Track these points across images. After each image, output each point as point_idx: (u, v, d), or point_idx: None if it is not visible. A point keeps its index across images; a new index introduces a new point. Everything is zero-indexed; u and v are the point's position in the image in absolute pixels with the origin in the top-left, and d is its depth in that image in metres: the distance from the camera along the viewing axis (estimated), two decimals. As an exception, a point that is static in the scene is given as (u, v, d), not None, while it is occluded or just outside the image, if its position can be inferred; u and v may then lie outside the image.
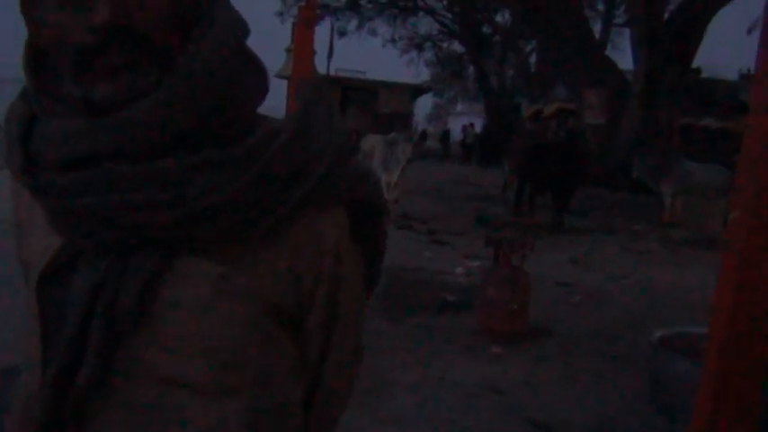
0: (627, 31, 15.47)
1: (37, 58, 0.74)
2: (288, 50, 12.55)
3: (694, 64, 12.33)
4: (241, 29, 0.76)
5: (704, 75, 14.01)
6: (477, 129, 27.73)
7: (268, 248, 0.73)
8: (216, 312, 0.72)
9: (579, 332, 4.79)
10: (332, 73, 24.43)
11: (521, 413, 3.40)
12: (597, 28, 20.16)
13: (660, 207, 10.17)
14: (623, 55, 16.08)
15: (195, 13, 0.73)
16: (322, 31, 23.98)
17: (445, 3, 24.42)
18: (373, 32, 26.05)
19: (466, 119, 33.31)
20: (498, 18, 24.41)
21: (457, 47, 29.67)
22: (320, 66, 24.39)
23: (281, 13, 22.17)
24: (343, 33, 24.91)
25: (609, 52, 18.30)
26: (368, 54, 32.36)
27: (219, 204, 0.68)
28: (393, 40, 28.27)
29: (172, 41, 0.70)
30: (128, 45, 0.67)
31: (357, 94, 22.91)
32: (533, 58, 26.34)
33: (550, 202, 9.71)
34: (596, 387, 3.83)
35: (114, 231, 0.69)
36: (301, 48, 4.31)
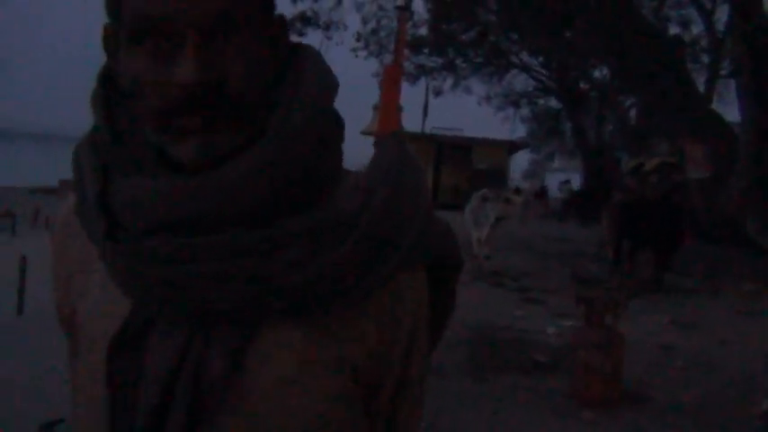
0: (732, 83, 14.82)
1: (109, 102, 0.71)
2: (375, 108, 12.82)
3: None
4: (332, 86, 0.74)
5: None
6: (575, 184, 27.11)
7: (354, 315, 0.70)
8: (300, 385, 0.68)
9: (680, 400, 4.46)
10: (427, 131, 24.77)
11: (612, 485, 3.17)
12: (701, 80, 19.51)
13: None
14: (729, 107, 15.37)
15: (283, 68, 0.71)
16: (417, 92, 24.47)
17: (541, 60, 24.35)
18: (468, 91, 26.24)
19: (563, 175, 32.72)
20: (596, 73, 24.06)
21: (553, 102, 29.41)
22: (415, 124, 24.83)
23: (377, 75, 22.83)
24: (438, 93, 25.25)
25: (715, 104, 17.59)
26: (463, 112, 32.64)
27: (321, 275, 0.65)
28: (488, 98, 28.37)
29: (257, 99, 0.67)
30: (214, 103, 0.64)
31: (452, 151, 23.03)
32: (632, 113, 25.69)
33: (651, 260, 9.25)
34: (699, 461, 3.53)
35: (199, 301, 0.66)
36: (387, 105, 4.38)
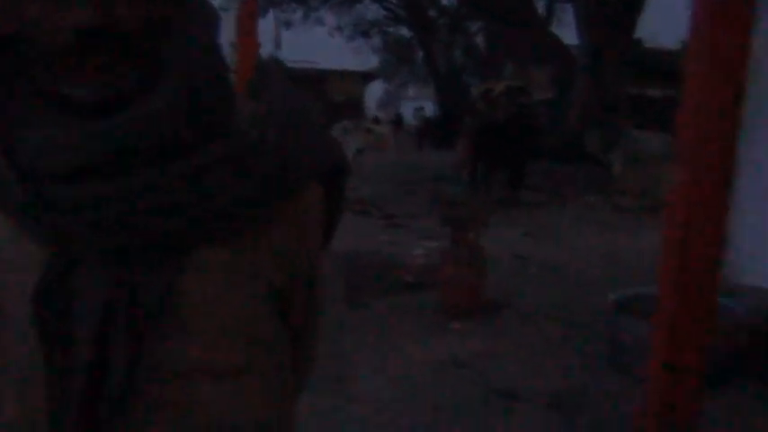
0: (570, 7, 15.68)
1: None
2: (232, 44, 12.32)
3: (635, 35, 12.63)
4: (216, 20, 0.76)
5: (646, 45, 14.34)
6: (429, 111, 27.81)
7: (266, 229, 0.75)
8: (230, 296, 0.73)
9: (537, 303, 4.89)
10: (285, 67, 24.25)
11: (484, 384, 3.47)
12: (542, 5, 20.41)
13: (611, 177, 10.40)
14: (569, 30, 16.31)
15: (171, 10, 0.71)
16: (267, 24, 23.75)
17: (390, -12, 24.39)
18: (320, 22, 25.84)
19: (418, 103, 33.38)
20: (444, 1, 24.45)
21: (404, 31, 29.64)
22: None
23: (224, 9, 21.84)
24: (288, 24, 24.65)
25: (554, 28, 18.54)
26: (316, 44, 32.10)
27: (239, 199, 0.69)
28: (339, 29, 28.08)
29: (149, 37, 0.67)
30: (109, 45, 0.64)
31: (306, 84, 22.77)
32: (481, 39, 26.51)
33: (505, 179, 9.84)
34: (556, 354, 3.93)
35: (126, 238, 0.67)
36: (246, 41, 4.27)
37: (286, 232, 0.78)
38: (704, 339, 2.22)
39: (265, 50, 22.66)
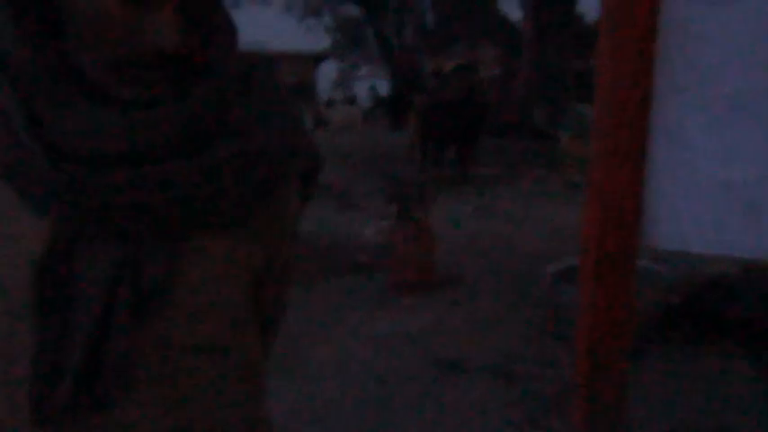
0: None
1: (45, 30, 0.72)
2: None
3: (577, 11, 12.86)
4: (237, 30, 0.83)
5: (588, 20, 14.60)
6: (383, 90, 27.74)
7: (256, 220, 0.81)
8: (225, 283, 0.79)
9: (485, 276, 5.03)
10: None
11: (430, 356, 3.58)
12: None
13: (558, 151, 10.60)
14: (516, 6, 16.47)
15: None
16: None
17: (337, -34, 24.16)
18: (266, 2, 25.47)
19: (371, 82, 33.24)
20: (392, -22, 24.35)
21: (355, 10, 29.42)
22: (216, 40, 23.70)
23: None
24: (236, 5, 24.23)
25: (502, 4, 18.73)
26: (265, 25, 31.62)
27: (244, 193, 0.76)
28: (288, 9, 27.73)
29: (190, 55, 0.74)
30: (170, 71, 0.72)
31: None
32: (431, 17, 26.47)
33: (455, 157, 9.97)
34: (500, 324, 4.06)
35: (140, 220, 0.71)
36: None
37: (272, 223, 0.85)
38: (630, 300, 2.33)
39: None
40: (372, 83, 30.34)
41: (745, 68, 1.94)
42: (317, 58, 26.73)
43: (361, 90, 34.95)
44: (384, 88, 29.13)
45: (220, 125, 0.76)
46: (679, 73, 2.11)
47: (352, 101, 27.90)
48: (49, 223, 0.71)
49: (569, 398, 2.72)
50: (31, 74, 0.71)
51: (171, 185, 0.71)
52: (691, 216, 2.15)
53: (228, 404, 0.83)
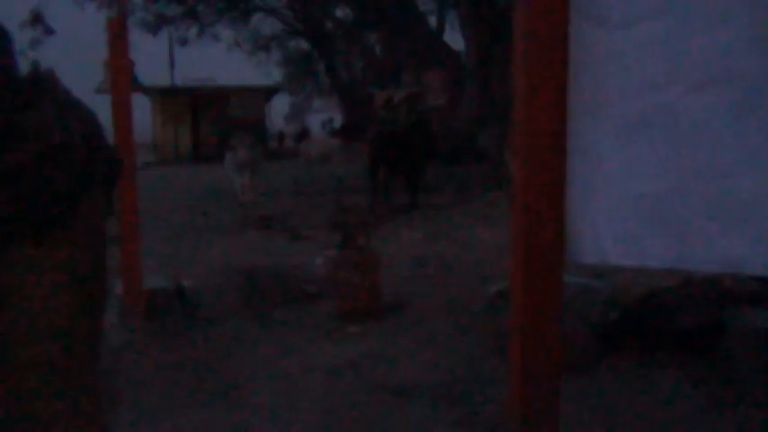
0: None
1: None
2: (106, 64, 12.12)
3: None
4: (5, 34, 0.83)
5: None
6: (337, 124, 27.98)
7: (66, 227, 0.81)
8: (39, 293, 0.78)
9: (432, 301, 5.06)
10: (178, 83, 23.79)
11: (375, 384, 3.58)
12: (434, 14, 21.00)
13: (506, 174, 10.79)
14: (458, 36, 16.86)
15: None
16: (161, 43, 23.24)
17: (284, 1, 24.37)
18: (216, 38, 25.48)
19: (323, 115, 33.48)
20: (338, 12, 24.69)
21: (304, 44, 29.66)
22: (164, 78, 23.67)
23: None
24: (184, 42, 24.21)
25: (449, 34, 19.15)
26: (214, 61, 31.65)
27: (49, 197, 0.75)
28: (237, 44, 27.80)
29: None
30: None
31: (207, 103, 22.44)
32: (379, 49, 26.89)
33: (404, 184, 10.09)
34: (447, 348, 4.09)
35: None
36: (117, 61, 4.22)
37: (86, 226, 0.85)
38: (556, 318, 2.38)
39: (160, 69, 22.20)
40: (329, 116, 30.54)
41: (648, 87, 2.04)
42: (269, 92, 26.78)
43: (314, 123, 35.15)
44: (338, 121, 29.37)
45: (11, 127, 0.74)
46: (589, 95, 2.20)
47: (304, 134, 28.00)
48: None
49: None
50: None
51: None
52: (608, 230, 2.22)
53: (52, 419, 0.81)
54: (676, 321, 3.80)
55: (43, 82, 0.84)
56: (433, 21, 19.79)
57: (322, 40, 25.72)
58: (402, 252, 6.64)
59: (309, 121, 38.05)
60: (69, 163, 0.76)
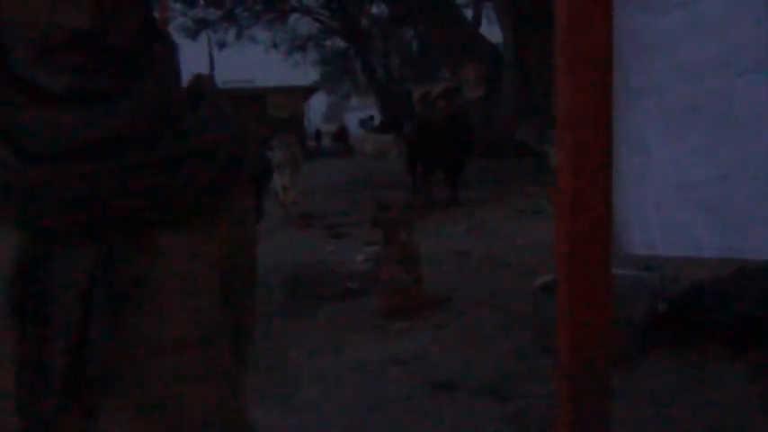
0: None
1: None
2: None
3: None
4: (175, 44, 0.88)
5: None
6: (377, 121, 27.98)
7: (214, 219, 0.86)
8: (191, 279, 0.82)
9: (476, 296, 5.02)
10: (218, 85, 24.10)
11: (423, 378, 3.57)
12: (471, 5, 20.83)
13: (547, 167, 10.64)
14: (496, 29, 16.70)
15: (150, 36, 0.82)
16: (200, 47, 23.61)
17: (320, 0, 24.49)
18: (253, 40, 25.77)
19: (361, 113, 33.53)
20: (374, 10, 24.71)
21: (340, 43, 29.79)
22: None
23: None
24: (222, 45, 24.55)
25: (485, 28, 18.97)
26: (253, 62, 32.00)
27: (201, 188, 0.79)
28: (275, 45, 28.06)
29: (128, 50, 0.76)
30: (94, 48, 0.72)
31: (245, 103, 22.68)
32: (415, 44, 26.84)
33: (445, 180, 10.02)
34: (492, 343, 4.05)
35: (103, 217, 0.73)
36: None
37: (228, 222, 0.89)
38: (605, 313, 2.34)
39: (201, 72, 22.47)
40: (369, 114, 30.57)
41: (696, 72, 1.98)
42: (306, 92, 26.96)
43: (352, 121, 35.23)
44: (377, 118, 29.37)
45: (170, 123, 0.79)
46: (634, 82, 2.15)
47: (343, 132, 28.07)
48: (20, 232, 0.73)
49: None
50: None
51: (129, 176, 0.73)
52: (656, 220, 2.16)
53: (199, 400, 0.84)
54: (729, 312, 3.69)
55: (201, 88, 0.90)
56: (469, 14, 19.67)
57: (358, 37, 25.77)
58: (444, 247, 6.60)
59: (347, 120, 38.16)
60: (215, 161, 0.81)
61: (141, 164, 0.75)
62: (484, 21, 21.08)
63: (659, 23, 2.02)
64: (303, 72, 30.87)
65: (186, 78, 0.91)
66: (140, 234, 0.77)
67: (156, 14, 0.89)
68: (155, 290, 0.79)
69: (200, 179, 0.80)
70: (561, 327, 2.40)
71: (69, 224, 0.73)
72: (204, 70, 21.27)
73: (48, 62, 0.72)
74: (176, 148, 0.78)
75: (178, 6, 19.53)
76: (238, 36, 24.59)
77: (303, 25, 27.62)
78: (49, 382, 0.72)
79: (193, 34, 21.86)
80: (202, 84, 0.91)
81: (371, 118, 28.44)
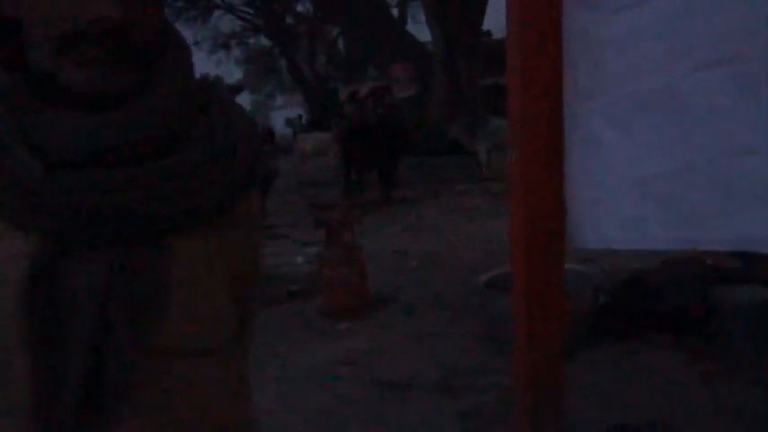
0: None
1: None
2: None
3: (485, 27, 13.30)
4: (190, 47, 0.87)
5: (496, 36, 15.10)
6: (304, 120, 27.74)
7: (227, 223, 0.84)
8: (207, 284, 0.81)
9: (419, 294, 5.04)
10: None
11: (371, 378, 3.55)
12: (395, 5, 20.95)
13: (478, 164, 10.84)
14: (421, 28, 16.87)
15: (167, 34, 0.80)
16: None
17: (244, -2, 24.13)
18: (175, 38, 25.07)
19: (287, 112, 33.18)
20: (300, 8, 24.51)
21: (264, 41, 29.38)
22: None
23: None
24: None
25: (410, 26, 19.10)
26: (174, 61, 31.10)
27: (217, 193, 0.77)
28: (196, 43, 27.38)
29: (150, 48, 0.74)
30: (122, 42, 0.70)
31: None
32: (342, 43, 26.77)
33: (378, 179, 10.04)
34: (439, 340, 4.08)
35: (122, 223, 0.71)
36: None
37: (243, 224, 0.88)
38: (559, 305, 2.38)
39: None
40: (297, 113, 30.26)
41: (647, 70, 2.03)
42: (231, 91, 26.48)
43: (277, 120, 34.81)
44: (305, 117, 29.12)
45: (188, 125, 0.79)
46: (585, 79, 2.19)
47: (268, 134, 27.75)
48: (36, 238, 0.71)
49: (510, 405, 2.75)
50: (6, 87, 0.72)
51: (153, 183, 0.72)
52: (610, 215, 2.22)
53: (215, 406, 0.84)
54: (662, 302, 3.84)
55: (212, 89, 0.88)
56: (395, 12, 19.78)
57: (283, 36, 25.50)
58: (383, 247, 6.60)
59: (273, 119, 37.70)
60: (231, 165, 0.80)
61: (163, 169, 0.74)
62: (409, 20, 21.28)
63: (610, 21, 2.07)
64: (226, 71, 30.26)
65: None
66: (158, 240, 0.76)
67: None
68: (172, 297, 0.77)
69: (219, 184, 0.79)
70: (518, 320, 2.43)
71: (91, 231, 0.71)
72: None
73: (75, 54, 0.70)
74: (196, 152, 0.77)
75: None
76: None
77: (226, 23, 27.12)
78: (65, 392, 0.70)
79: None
80: (211, 84, 0.90)
81: (300, 117, 28.19)
